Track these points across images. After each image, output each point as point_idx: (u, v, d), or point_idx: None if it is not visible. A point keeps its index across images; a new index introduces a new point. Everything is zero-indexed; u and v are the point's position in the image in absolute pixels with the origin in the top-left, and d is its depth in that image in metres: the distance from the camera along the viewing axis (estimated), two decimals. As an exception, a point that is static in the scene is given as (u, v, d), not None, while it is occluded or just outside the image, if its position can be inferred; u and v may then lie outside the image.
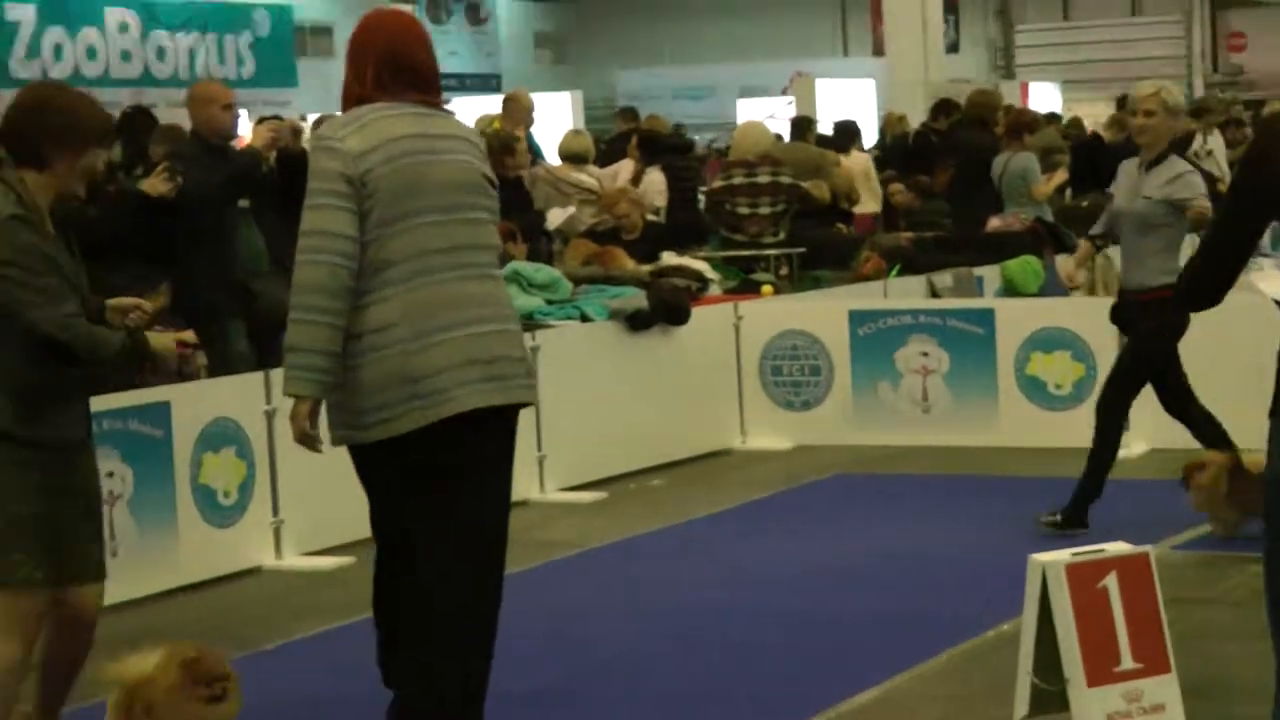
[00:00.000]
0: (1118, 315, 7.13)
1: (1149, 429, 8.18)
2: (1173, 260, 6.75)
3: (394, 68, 3.85)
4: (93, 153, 4.25)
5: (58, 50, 17.93)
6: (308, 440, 3.81)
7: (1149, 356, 6.95)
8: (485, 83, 23.82)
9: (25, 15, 17.68)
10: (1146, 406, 8.38)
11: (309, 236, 3.75)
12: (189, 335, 6.22)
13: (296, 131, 9.47)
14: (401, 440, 3.73)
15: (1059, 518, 6.75)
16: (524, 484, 8.04)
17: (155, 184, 7.51)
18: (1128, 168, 7.04)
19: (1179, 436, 8.05)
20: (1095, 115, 15.91)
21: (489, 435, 3.90)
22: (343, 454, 3.89)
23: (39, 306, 4.00)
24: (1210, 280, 3.05)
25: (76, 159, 4.14)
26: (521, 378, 3.96)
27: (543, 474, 8.56)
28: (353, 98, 3.95)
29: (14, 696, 4.39)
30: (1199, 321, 6.14)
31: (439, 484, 3.81)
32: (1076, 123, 15.73)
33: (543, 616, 6.22)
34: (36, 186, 4.11)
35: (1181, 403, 7.21)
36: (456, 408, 3.68)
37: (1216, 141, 13.18)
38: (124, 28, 18.92)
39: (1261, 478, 3.46)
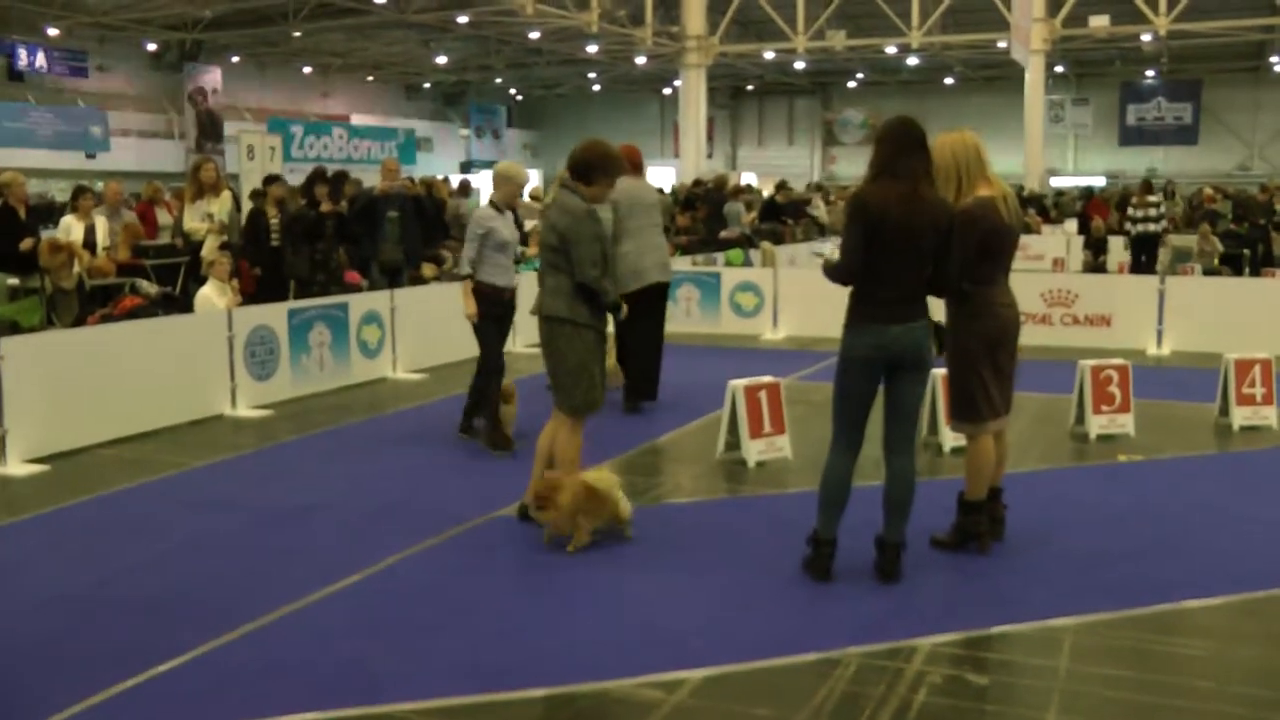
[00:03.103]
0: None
1: (791, 326, 11.92)
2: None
3: (632, 163, 7.48)
4: (610, 182, 5.41)
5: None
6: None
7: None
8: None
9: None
10: (787, 310, 12.09)
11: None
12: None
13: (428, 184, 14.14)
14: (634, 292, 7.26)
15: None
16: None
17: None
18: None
19: (807, 327, 11.75)
20: (768, 188, 21.83)
21: (658, 290, 7.96)
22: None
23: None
24: (846, 269, 4.55)
25: (608, 183, 5.39)
26: (668, 272, 7.94)
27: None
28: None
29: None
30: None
31: (649, 306, 7.66)
32: (760, 190, 22.95)
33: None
34: (585, 194, 5.25)
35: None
36: (649, 281, 7.78)
37: (820, 204, 19.65)
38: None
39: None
